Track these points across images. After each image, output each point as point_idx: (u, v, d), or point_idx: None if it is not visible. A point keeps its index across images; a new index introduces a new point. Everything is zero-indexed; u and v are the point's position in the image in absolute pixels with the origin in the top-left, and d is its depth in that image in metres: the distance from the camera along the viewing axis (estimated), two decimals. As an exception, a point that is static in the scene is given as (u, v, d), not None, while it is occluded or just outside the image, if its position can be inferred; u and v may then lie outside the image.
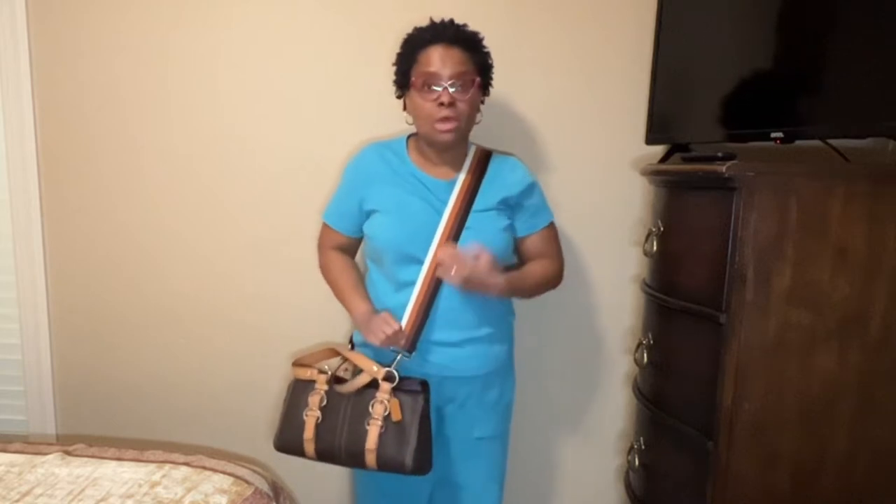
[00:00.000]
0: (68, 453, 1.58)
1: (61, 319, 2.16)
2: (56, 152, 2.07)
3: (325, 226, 1.71)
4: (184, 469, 1.50)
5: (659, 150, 1.81)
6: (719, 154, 1.38)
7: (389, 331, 1.46)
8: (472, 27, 1.54)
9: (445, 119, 1.47)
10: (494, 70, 1.59)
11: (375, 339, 1.48)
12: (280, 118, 1.97)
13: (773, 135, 1.41)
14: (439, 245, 1.51)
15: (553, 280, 1.68)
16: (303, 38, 1.93)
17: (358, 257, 1.76)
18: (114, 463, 1.53)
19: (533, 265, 1.65)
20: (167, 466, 1.51)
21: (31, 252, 2.11)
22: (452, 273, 1.44)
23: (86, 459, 1.55)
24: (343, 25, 1.90)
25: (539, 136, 1.90)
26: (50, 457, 1.54)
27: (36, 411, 2.19)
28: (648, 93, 1.77)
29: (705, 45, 1.63)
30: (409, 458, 1.45)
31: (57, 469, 1.49)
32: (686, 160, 1.62)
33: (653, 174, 1.65)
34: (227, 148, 2.00)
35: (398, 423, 1.46)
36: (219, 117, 1.99)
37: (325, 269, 1.72)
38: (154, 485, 1.42)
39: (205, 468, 1.51)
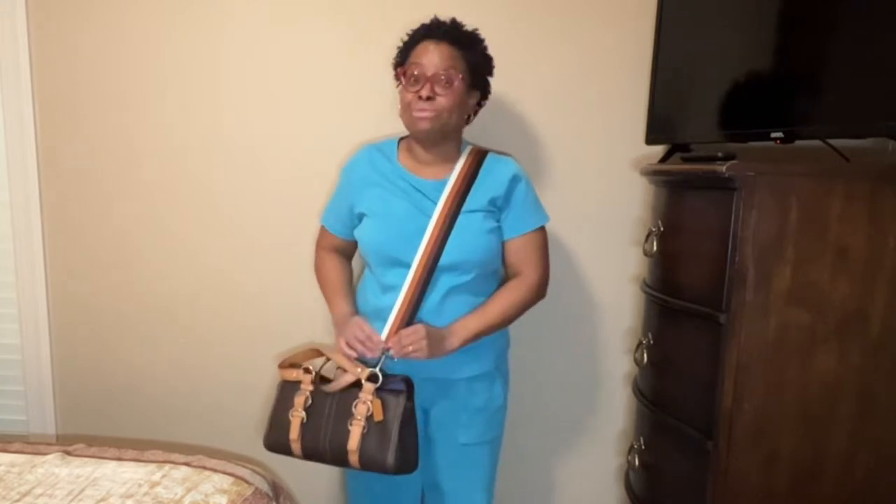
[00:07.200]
0: (68, 453, 1.58)
1: (61, 319, 2.16)
2: (56, 152, 2.07)
3: (322, 227, 1.74)
4: (184, 469, 1.50)
5: (659, 150, 1.81)
6: (719, 154, 1.38)
7: (362, 336, 1.48)
8: (472, 26, 1.54)
9: (422, 109, 1.47)
10: (495, 70, 1.59)
11: (344, 344, 1.50)
12: (279, 119, 1.97)
13: (773, 135, 1.41)
14: (425, 249, 1.50)
15: (530, 299, 1.59)
16: (303, 38, 1.93)
17: (355, 259, 1.77)
18: (114, 463, 1.53)
19: (497, 296, 1.57)
20: (167, 466, 1.51)
21: (31, 252, 2.11)
22: (419, 349, 1.44)
23: (86, 459, 1.55)
24: (344, 26, 1.90)
25: (539, 137, 1.90)
26: (50, 457, 1.54)
27: (36, 411, 2.19)
28: (648, 93, 1.77)
29: (705, 45, 1.63)
30: (390, 458, 1.43)
31: (57, 469, 1.49)
32: (686, 160, 1.62)
33: (653, 174, 1.65)
34: (226, 149, 2.00)
35: (381, 422, 1.44)
36: (218, 118, 1.99)
37: (317, 270, 1.74)
38: (154, 485, 1.42)
39: (205, 468, 1.51)
